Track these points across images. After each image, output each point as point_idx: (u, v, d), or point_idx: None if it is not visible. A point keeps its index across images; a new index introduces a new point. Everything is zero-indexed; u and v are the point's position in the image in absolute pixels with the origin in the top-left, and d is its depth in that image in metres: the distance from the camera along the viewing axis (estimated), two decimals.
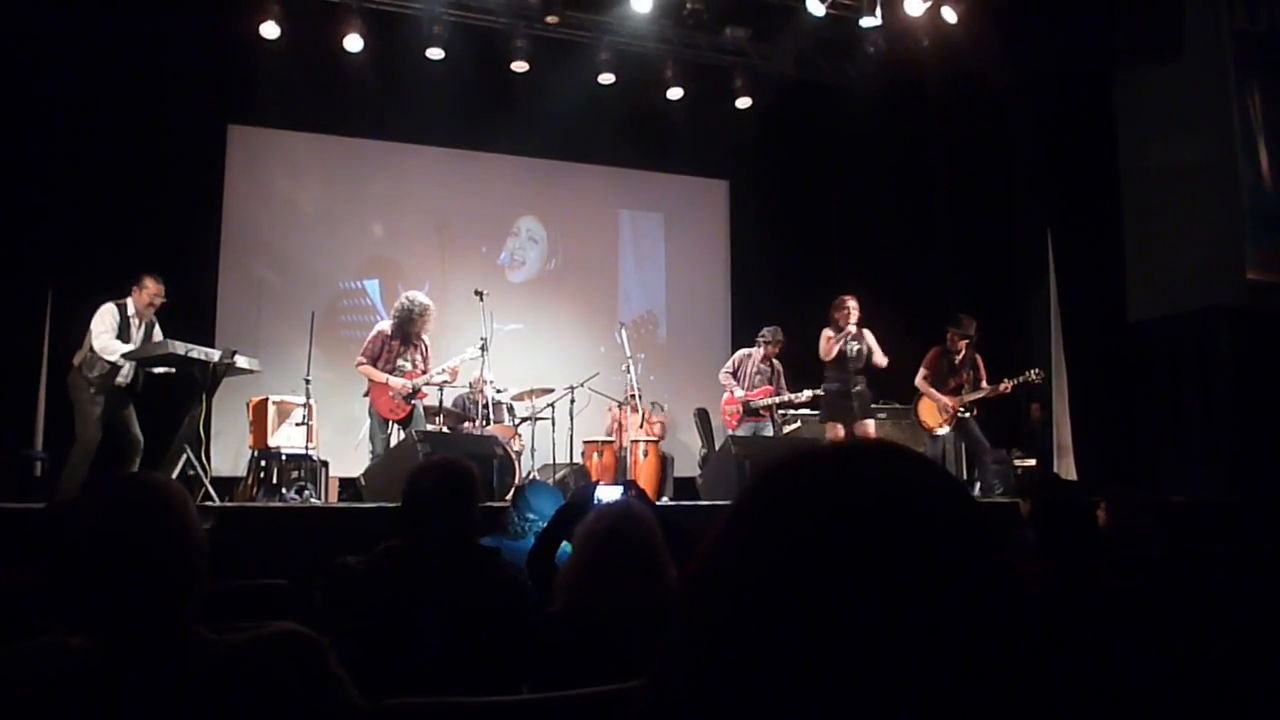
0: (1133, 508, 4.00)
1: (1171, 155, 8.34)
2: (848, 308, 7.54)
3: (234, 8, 8.20)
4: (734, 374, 8.01)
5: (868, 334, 7.64)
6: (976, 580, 0.56)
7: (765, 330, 8.05)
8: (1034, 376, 7.61)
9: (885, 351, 7.68)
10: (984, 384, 7.69)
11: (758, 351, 8.00)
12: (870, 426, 7.62)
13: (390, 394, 6.87)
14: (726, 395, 8.05)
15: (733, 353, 8.47)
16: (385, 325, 7.02)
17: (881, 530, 0.56)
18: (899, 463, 0.61)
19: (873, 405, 8.79)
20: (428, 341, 7.18)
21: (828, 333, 7.59)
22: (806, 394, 7.84)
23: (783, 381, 7.98)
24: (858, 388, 7.55)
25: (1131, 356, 8.51)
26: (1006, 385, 7.61)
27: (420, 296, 7.07)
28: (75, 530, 1.48)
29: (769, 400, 7.87)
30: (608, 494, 3.33)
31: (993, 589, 0.57)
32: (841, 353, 7.51)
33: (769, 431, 8.01)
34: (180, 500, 1.52)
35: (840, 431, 7.47)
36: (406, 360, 6.97)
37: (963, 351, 7.71)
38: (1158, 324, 8.38)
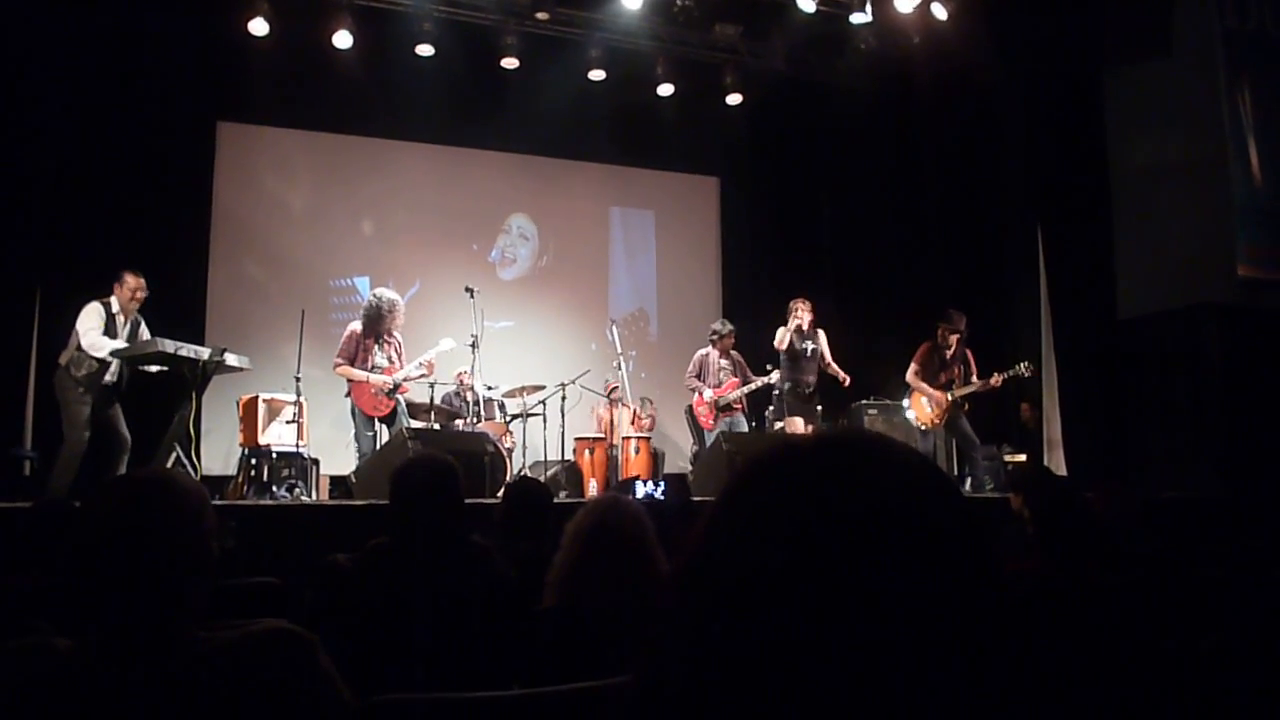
0: (1122, 504, 4.02)
1: (1161, 152, 8.36)
2: (798, 311, 7.74)
3: (223, 4, 8.17)
4: (698, 376, 8.09)
5: (822, 336, 7.82)
6: (960, 571, 0.56)
7: (715, 325, 8.24)
8: (1024, 369, 7.63)
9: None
10: (975, 379, 7.70)
11: (714, 350, 8.12)
12: (799, 424, 7.63)
13: (372, 391, 6.86)
14: (695, 398, 8.11)
15: None
16: (356, 325, 7.00)
17: (864, 521, 0.56)
18: (881, 453, 0.61)
19: (863, 403, 8.83)
20: (400, 338, 7.18)
21: (782, 329, 7.77)
22: (770, 378, 7.89)
23: (747, 372, 8.10)
24: (809, 390, 7.70)
25: (1122, 353, 8.53)
26: (997, 379, 7.62)
27: (387, 292, 7.07)
28: (80, 526, 1.46)
29: (737, 393, 7.98)
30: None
31: (976, 580, 0.57)
32: (796, 351, 7.65)
33: (744, 425, 8.10)
34: (193, 500, 1.49)
35: (799, 426, 7.49)
36: (382, 357, 6.97)
37: (954, 347, 7.72)
38: (1148, 321, 8.40)
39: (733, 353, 8.13)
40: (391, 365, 6.98)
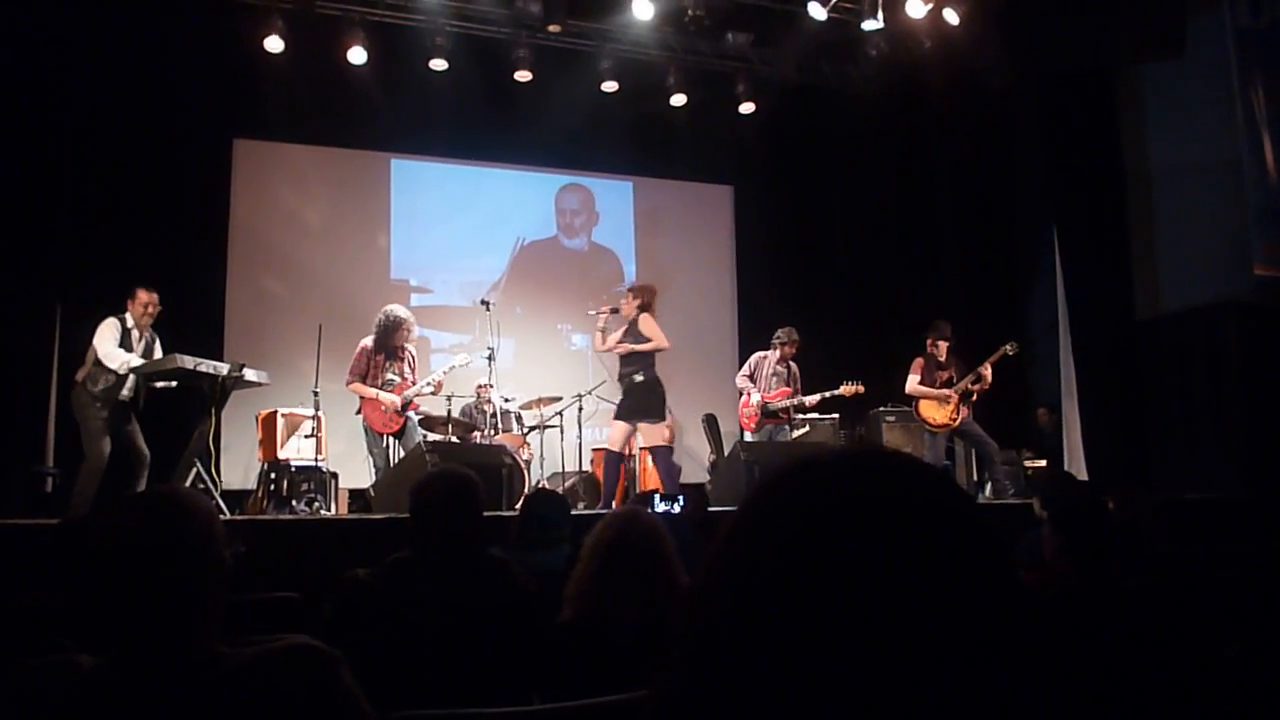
0: (1142, 506, 3.99)
1: (1176, 152, 8.33)
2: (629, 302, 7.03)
3: (238, 23, 8.25)
4: (750, 376, 7.92)
5: (642, 321, 6.94)
6: (977, 584, 0.56)
7: (780, 331, 7.91)
8: (1009, 349, 7.64)
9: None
10: (968, 374, 7.70)
11: (773, 353, 7.87)
12: (633, 429, 6.91)
13: (382, 409, 6.86)
14: (743, 399, 7.98)
15: (740, 358, 8.45)
16: (368, 341, 6.98)
17: (881, 537, 0.56)
18: (898, 468, 0.61)
19: (880, 410, 8.75)
20: (413, 351, 7.18)
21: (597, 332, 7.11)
22: (817, 397, 7.81)
23: (799, 384, 7.90)
24: (632, 383, 6.89)
25: (1140, 354, 8.48)
26: (987, 370, 7.62)
27: (396, 308, 7.05)
28: (94, 544, 1.48)
29: (787, 402, 7.77)
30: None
31: (993, 593, 0.57)
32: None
33: (788, 435, 7.94)
34: (203, 516, 1.51)
35: (621, 431, 6.92)
36: (394, 374, 6.97)
37: (944, 355, 7.77)
38: (1166, 321, 8.36)
39: (792, 363, 7.90)
40: (403, 381, 6.99)
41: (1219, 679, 2.18)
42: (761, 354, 8.01)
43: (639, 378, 6.87)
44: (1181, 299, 8.25)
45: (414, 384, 7.00)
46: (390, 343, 6.94)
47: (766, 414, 7.81)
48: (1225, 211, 8.14)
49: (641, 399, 6.85)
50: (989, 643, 0.55)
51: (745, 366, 8.03)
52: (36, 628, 2.31)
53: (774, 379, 7.85)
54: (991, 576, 0.57)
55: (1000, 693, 0.54)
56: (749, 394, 7.90)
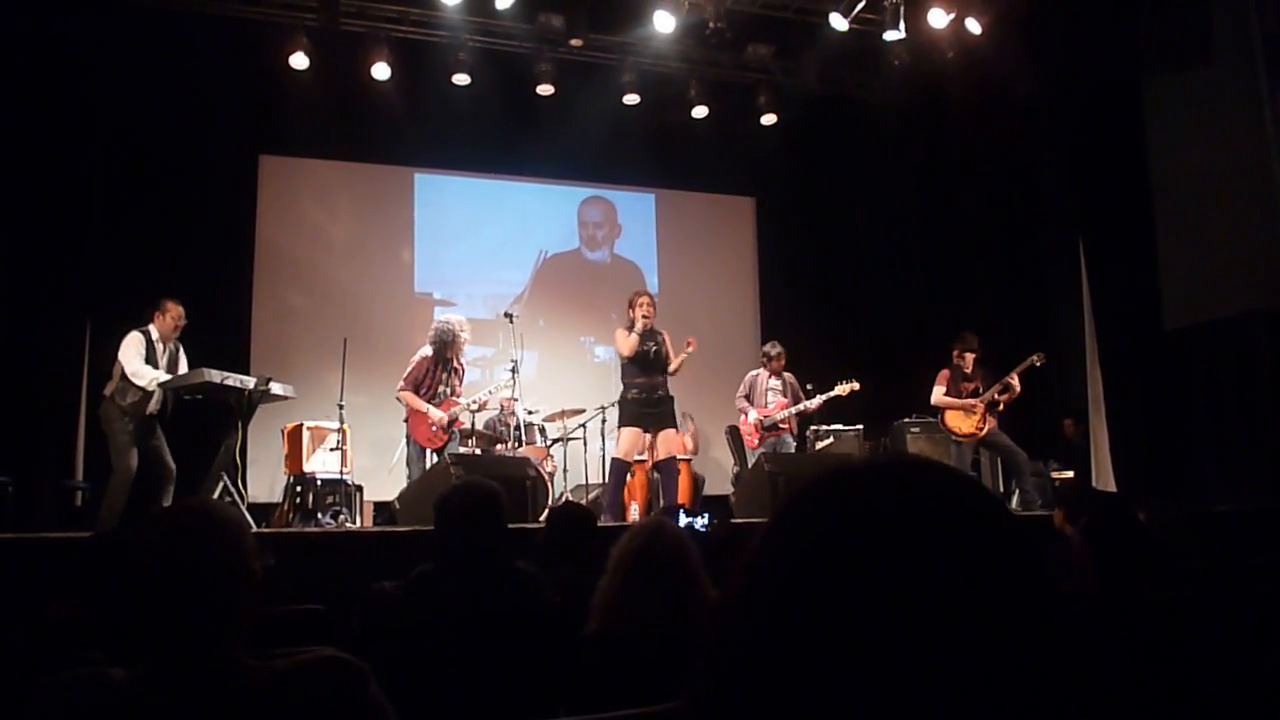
0: (1173, 519, 3.95)
1: (1204, 160, 8.23)
2: (640, 304, 6.92)
3: (264, 41, 8.34)
4: (747, 397, 8.16)
5: (665, 336, 7.03)
6: (1014, 593, 0.56)
7: (765, 347, 8.33)
8: (1036, 360, 7.66)
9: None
10: (995, 384, 7.69)
11: (764, 371, 8.19)
12: (674, 436, 6.99)
13: (430, 424, 6.88)
14: (742, 418, 8.18)
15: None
16: (427, 350, 7.00)
17: (916, 546, 0.55)
18: (932, 478, 0.60)
19: (904, 421, 8.72)
20: (465, 364, 7.22)
21: (622, 330, 6.99)
22: (818, 400, 7.91)
23: (799, 392, 8.11)
24: (659, 393, 6.93)
25: (1170, 365, 8.38)
26: (1015, 379, 7.63)
27: (455, 317, 7.12)
28: (127, 557, 1.49)
29: (785, 413, 7.99)
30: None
31: (1030, 602, 0.56)
32: (642, 353, 6.83)
33: (790, 445, 8.13)
34: (235, 530, 1.52)
35: (639, 438, 6.90)
36: (446, 386, 7.00)
37: (970, 366, 7.81)
38: (1196, 331, 8.25)
39: (785, 374, 8.17)
40: (452, 398, 7.02)
41: (1253, 693, 2.15)
42: (754, 373, 8.29)
43: (665, 390, 6.98)
44: (1210, 309, 8.14)
45: (461, 400, 7.04)
46: (447, 354, 6.98)
47: (766, 428, 8.02)
48: (1255, 220, 8.03)
49: (669, 408, 7.00)
50: (1027, 651, 0.54)
51: (741, 387, 8.26)
52: (68, 641, 2.33)
53: (769, 394, 8.11)
54: (1028, 583, 0.56)
55: (1038, 702, 0.53)
56: (746, 413, 8.14)
